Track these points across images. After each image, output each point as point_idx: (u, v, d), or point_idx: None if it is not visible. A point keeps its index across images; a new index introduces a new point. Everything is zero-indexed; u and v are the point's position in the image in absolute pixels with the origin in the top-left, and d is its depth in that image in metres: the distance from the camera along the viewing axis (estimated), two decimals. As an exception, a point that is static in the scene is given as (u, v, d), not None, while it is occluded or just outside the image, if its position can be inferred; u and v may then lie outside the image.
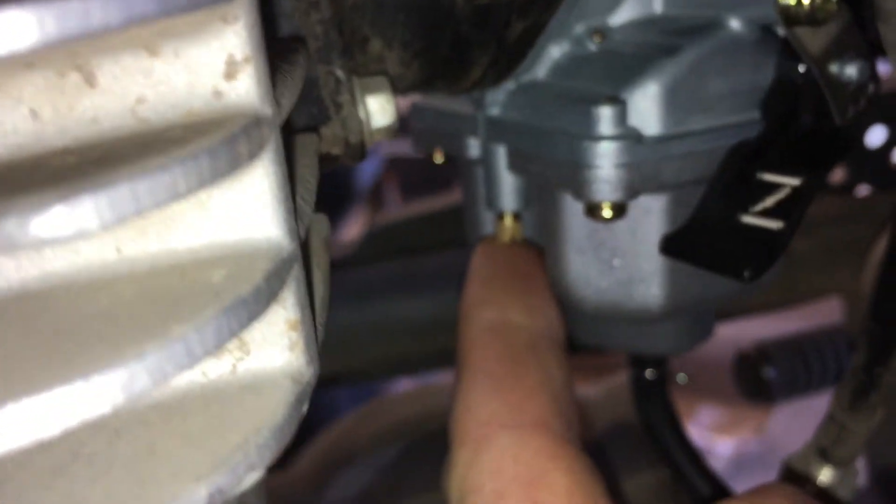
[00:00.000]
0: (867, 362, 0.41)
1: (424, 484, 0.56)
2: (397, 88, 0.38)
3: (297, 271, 0.19)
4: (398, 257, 0.62)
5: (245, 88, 0.18)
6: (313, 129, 0.31)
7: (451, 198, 0.63)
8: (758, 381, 0.66)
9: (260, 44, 0.18)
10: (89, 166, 0.16)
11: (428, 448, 0.60)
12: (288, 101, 0.21)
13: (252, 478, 0.18)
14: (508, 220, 0.45)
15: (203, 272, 0.18)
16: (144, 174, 0.15)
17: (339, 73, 0.33)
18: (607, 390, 0.65)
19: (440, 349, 0.60)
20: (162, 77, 0.18)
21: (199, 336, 0.17)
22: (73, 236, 0.15)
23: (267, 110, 0.18)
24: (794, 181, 0.37)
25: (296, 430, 0.19)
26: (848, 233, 0.61)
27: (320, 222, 0.29)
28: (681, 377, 0.50)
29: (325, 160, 0.34)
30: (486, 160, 0.44)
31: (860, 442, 0.46)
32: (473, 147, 0.45)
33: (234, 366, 0.20)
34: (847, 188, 0.65)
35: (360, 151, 0.34)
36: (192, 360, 0.17)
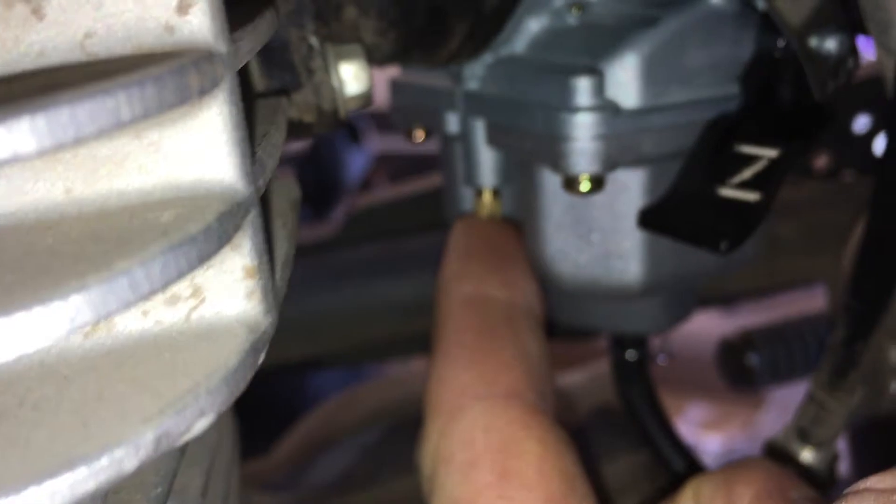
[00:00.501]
0: (846, 339, 0.41)
1: (404, 466, 0.56)
2: (374, 58, 0.38)
3: (253, 217, 0.19)
4: (381, 239, 0.62)
5: (198, 23, 0.17)
6: (284, 93, 0.31)
7: (434, 180, 0.63)
8: (741, 368, 0.66)
9: (213, -22, 0.18)
10: (32, 92, 0.15)
11: (408, 431, 0.59)
12: (248, 45, 0.20)
13: (202, 423, 0.18)
14: (487, 197, 0.44)
15: (153, 212, 0.18)
16: (85, 97, 0.15)
17: (312, 38, 0.33)
18: (590, 376, 0.64)
19: (423, 332, 0.59)
20: (112, 10, 0.17)
21: (145, 272, 0.16)
22: (10, 159, 0.14)
23: (221, 48, 0.18)
24: (771, 153, 0.36)
25: (250, 378, 0.19)
26: (832, 218, 0.61)
27: (290, 186, 0.29)
28: (661, 358, 0.50)
29: (298, 128, 0.34)
30: (465, 135, 0.44)
31: (840, 422, 0.46)
32: (452, 122, 0.45)
33: (189, 313, 0.19)
34: (831, 174, 0.65)
35: (333, 119, 0.34)
36: (137, 295, 0.16)
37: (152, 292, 0.16)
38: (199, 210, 0.18)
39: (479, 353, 0.36)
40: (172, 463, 0.26)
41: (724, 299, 0.64)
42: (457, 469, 0.32)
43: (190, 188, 0.18)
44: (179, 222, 0.17)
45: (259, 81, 0.32)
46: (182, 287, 0.19)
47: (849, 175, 0.66)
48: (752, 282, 0.60)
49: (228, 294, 0.19)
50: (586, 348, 0.73)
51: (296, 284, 0.63)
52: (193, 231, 0.17)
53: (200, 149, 0.18)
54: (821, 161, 0.66)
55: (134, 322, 0.19)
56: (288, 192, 0.28)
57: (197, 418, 0.17)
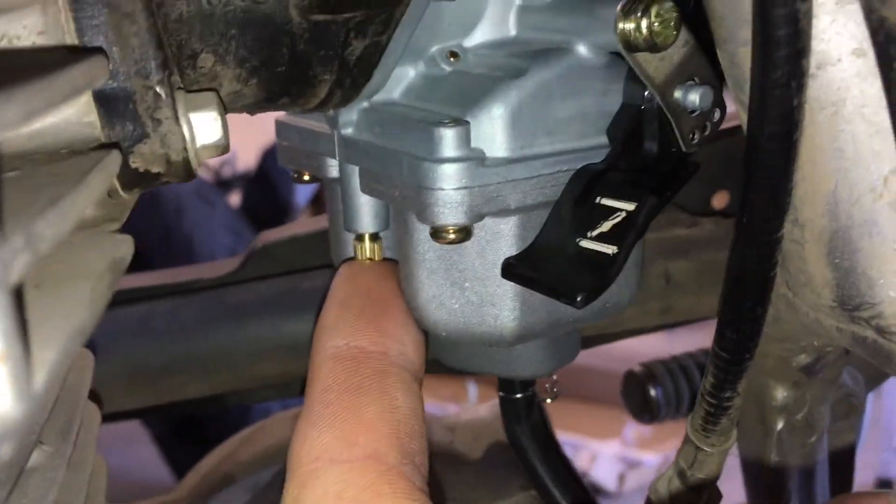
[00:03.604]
0: (714, 387, 0.41)
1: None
2: (237, 105, 0.38)
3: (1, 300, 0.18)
4: (280, 276, 0.61)
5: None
6: (115, 146, 0.30)
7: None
8: (644, 400, 0.67)
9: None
10: None
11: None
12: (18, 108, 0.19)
13: None
14: (367, 242, 0.44)
15: None
16: None
17: (159, 88, 0.32)
18: (493, 412, 0.64)
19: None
20: None
21: None
22: None
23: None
24: (629, 206, 0.37)
25: None
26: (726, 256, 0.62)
27: (118, 243, 0.28)
28: (549, 398, 0.50)
29: (145, 178, 0.33)
30: (342, 181, 0.43)
31: (718, 465, 0.46)
32: (333, 167, 0.44)
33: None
34: (730, 215, 0.66)
35: (184, 170, 0.33)
36: None
37: None
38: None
39: (341, 412, 0.35)
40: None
41: (613, 339, 0.65)
42: None
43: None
44: None
45: (101, 133, 0.31)
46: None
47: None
48: (644, 321, 0.61)
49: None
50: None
51: (194, 322, 0.62)
52: None
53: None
54: (720, 200, 0.67)
55: None
56: (113, 251, 0.27)
57: None
